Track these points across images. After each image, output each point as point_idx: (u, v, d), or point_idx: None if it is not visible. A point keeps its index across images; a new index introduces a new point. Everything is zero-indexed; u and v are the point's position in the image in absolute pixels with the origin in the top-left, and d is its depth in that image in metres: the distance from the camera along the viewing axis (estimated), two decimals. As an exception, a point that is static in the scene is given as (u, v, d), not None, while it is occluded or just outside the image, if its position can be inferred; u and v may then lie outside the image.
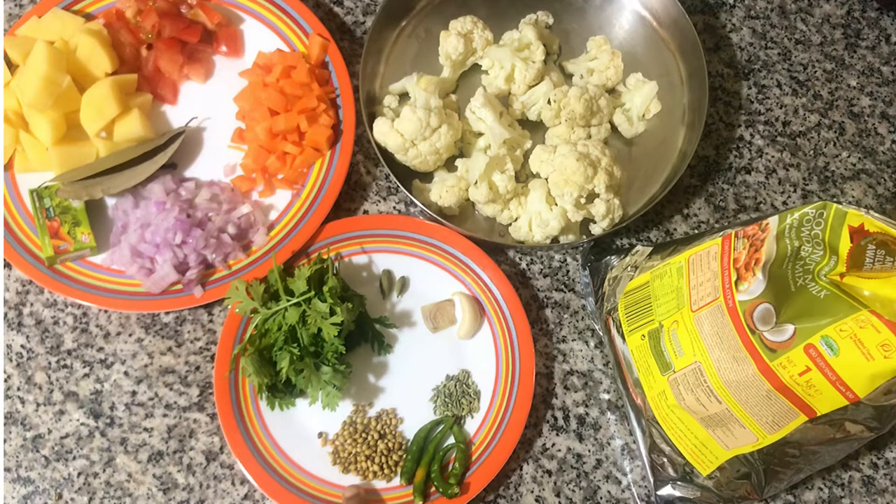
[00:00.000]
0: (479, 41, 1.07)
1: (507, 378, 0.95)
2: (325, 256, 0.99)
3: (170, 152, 1.01)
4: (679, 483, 0.88)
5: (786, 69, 1.14)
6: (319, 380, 0.90)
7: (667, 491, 0.89)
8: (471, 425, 0.95)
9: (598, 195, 0.98)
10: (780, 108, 1.12)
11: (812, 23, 1.17)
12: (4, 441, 0.94)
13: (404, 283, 1.00)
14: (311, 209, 1.00)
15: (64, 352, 0.97)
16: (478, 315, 0.98)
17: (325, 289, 0.91)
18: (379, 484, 0.92)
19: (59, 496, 0.92)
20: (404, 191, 1.00)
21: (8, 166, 1.01)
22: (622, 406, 0.97)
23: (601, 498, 0.94)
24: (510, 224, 1.02)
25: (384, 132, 1.00)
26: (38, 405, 0.95)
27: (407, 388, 0.97)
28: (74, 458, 0.93)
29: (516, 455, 0.95)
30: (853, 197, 1.08)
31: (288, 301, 0.91)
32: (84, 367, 0.97)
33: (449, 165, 1.04)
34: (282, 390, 0.93)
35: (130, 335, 0.98)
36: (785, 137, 1.11)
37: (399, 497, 0.92)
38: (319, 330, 0.90)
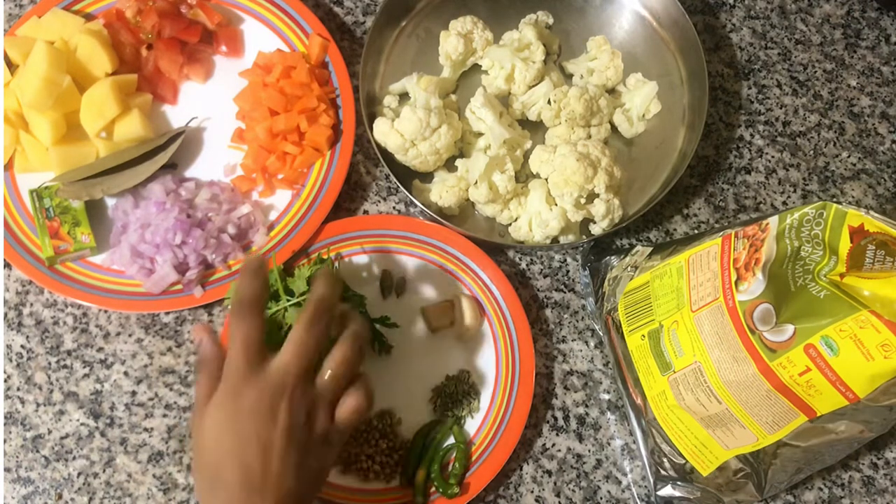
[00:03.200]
0: (479, 41, 1.07)
1: (507, 378, 0.95)
2: (325, 256, 0.99)
3: (170, 152, 1.01)
4: (679, 483, 0.88)
5: (786, 69, 1.14)
6: (319, 380, 0.90)
7: (667, 491, 0.89)
8: (471, 425, 0.95)
9: (598, 195, 0.98)
10: (780, 108, 1.12)
11: (812, 23, 1.17)
12: (4, 441, 0.94)
13: (404, 283, 1.00)
14: (311, 209, 1.00)
15: (64, 352, 0.97)
16: (478, 315, 0.97)
17: (325, 289, 0.91)
18: (379, 484, 0.92)
19: (59, 496, 0.92)
20: (404, 191, 1.00)
21: (8, 166, 1.01)
22: (622, 406, 0.97)
23: (601, 498, 0.94)
24: (510, 224, 1.02)
25: (384, 132, 1.00)
26: (38, 405, 0.95)
27: (407, 388, 0.97)
28: (74, 458, 0.93)
29: (516, 455, 0.95)
30: (853, 197, 1.08)
31: (288, 301, 0.91)
32: (84, 367, 0.97)
33: (449, 165, 1.04)
34: (282, 390, 0.93)
35: (130, 335, 0.98)
36: (785, 137, 1.11)
37: (399, 497, 0.92)
38: (319, 330, 0.90)
